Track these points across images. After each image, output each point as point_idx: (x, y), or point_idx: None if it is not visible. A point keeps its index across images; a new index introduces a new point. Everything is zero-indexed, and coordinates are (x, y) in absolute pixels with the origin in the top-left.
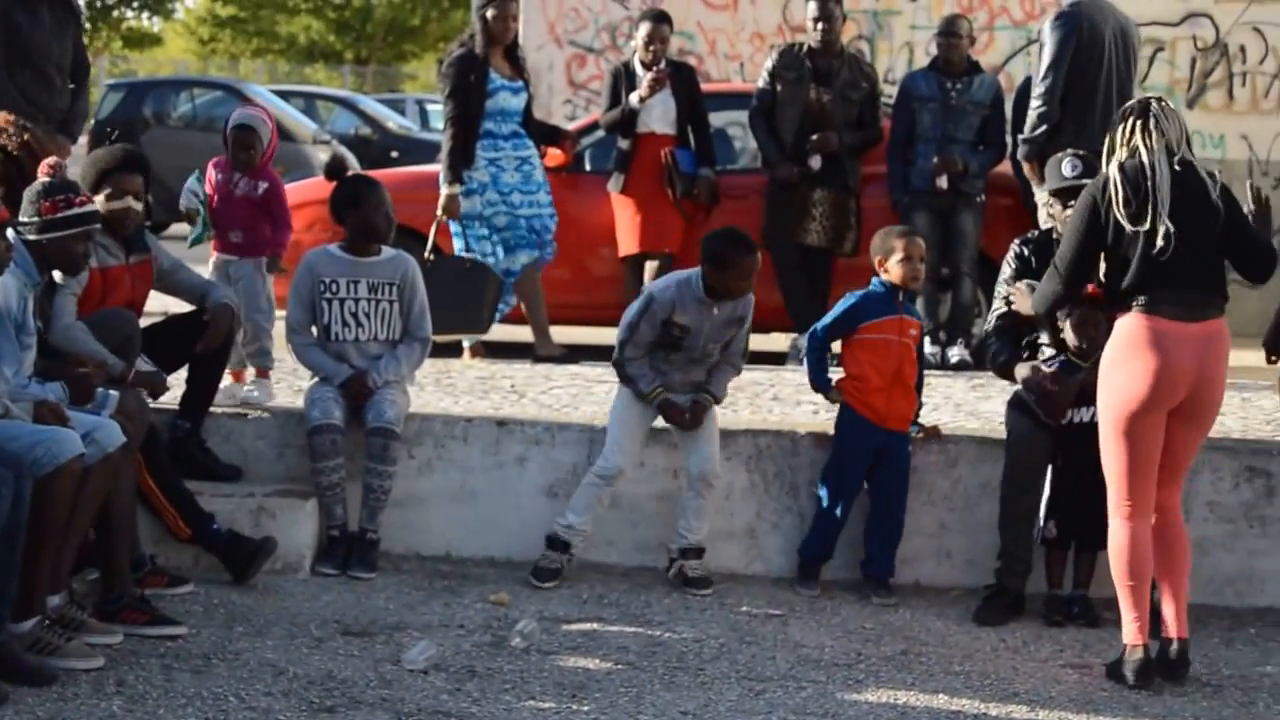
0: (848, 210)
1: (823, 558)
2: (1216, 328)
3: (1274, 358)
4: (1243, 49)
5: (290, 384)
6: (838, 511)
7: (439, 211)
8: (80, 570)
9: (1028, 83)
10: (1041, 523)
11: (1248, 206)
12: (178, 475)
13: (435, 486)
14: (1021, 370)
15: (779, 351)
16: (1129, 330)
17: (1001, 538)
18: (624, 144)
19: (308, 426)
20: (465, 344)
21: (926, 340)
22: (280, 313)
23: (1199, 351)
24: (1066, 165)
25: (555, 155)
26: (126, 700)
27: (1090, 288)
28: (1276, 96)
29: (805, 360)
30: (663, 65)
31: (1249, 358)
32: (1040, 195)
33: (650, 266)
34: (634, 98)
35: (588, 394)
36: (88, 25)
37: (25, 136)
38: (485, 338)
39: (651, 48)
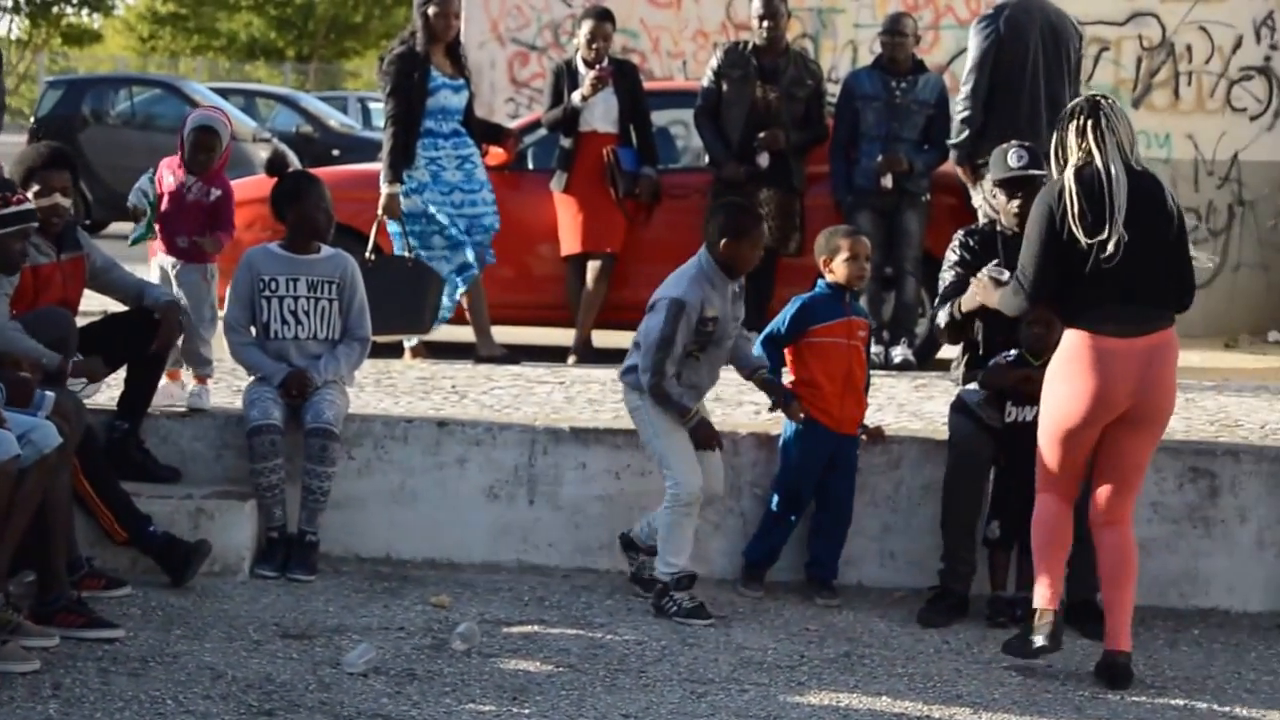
0: (793, 210)
1: (769, 562)
2: (1163, 339)
3: None
4: (1189, 48)
5: (229, 384)
6: (791, 518)
7: (379, 211)
8: (16, 573)
9: None
10: (985, 524)
11: None
12: (115, 477)
13: (375, 488)
14: (974, 287)
15: None
16: (1073, 347)
17: (944, 539)
18: (566, 142)
19: (246, 427)
20: (406, 344)
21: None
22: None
23: (1142, 364)
24: (1012, 155)
25: (497, 154)
26: (62, 704)
27: None
28: (1222, 96)
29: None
30: (605, 63)
31: (1194, 359)
32: (976, 197)
33: (592, 266)
34: (576, 96)
35: (529, 394)
36: (27, 21)
37: None
38: (426, 338)
39: (594, 45)
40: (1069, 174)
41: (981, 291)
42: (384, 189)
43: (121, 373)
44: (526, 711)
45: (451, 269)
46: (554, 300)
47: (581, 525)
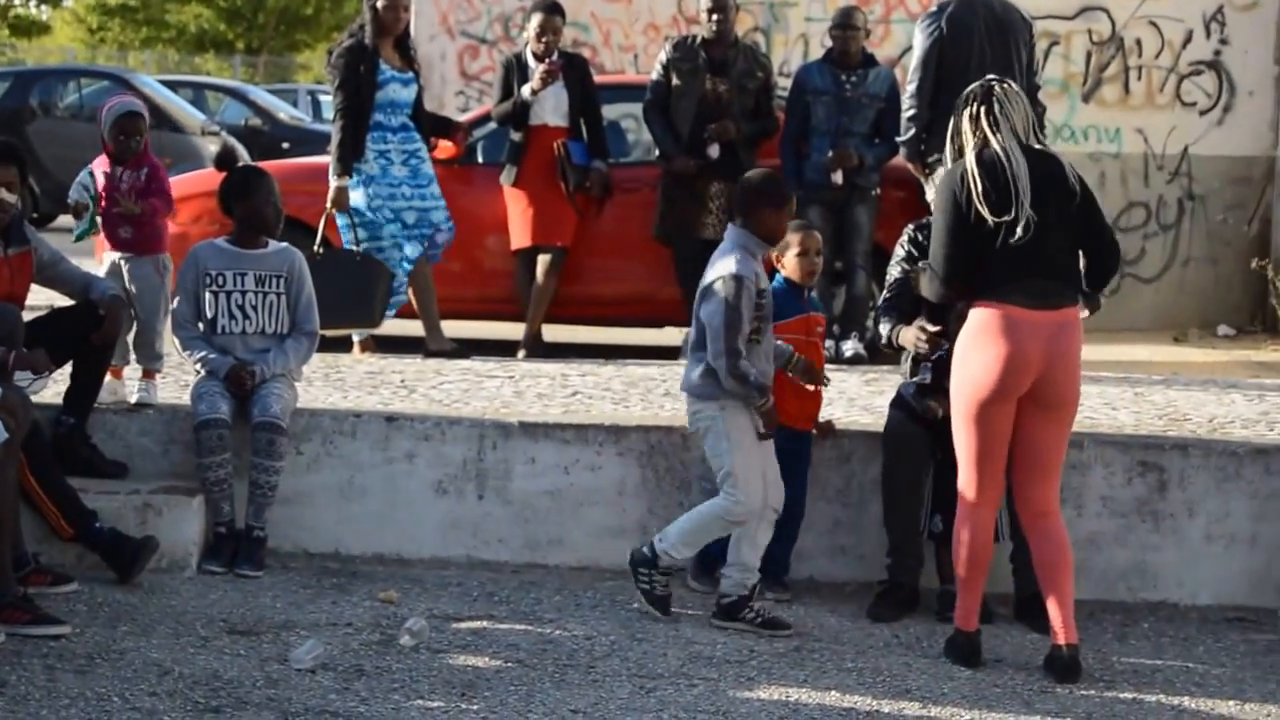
0: None
1: (724, 557)
2: (1068, 316)
3: None
4: (1139, 42)
5: (176, 379)
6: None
7: (328, 204)
8: None
9: None
10: (928, 518)
11: None
12: (61, 472)
13: (323, 483)
14: (907, 335)
15: (673, 346)
16: (981, 319)
17: (889, 535)
18: (516, 136)
19: (194, 421)
20: (355, 338)
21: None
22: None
23: (1049, 338)
24: None
25: (447, 147)
26: (8, 701)
27: None
28: (1172, 90)
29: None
30: (555, 57)
31: (1143, 353)
32: (930, 192)
33: (543, 260)
34: (526, 90)
35: (478, 389)
36: None
37: None
38: (375, 332)
39: (544, 39)
40: (969, 157)
41: (923, 284)
42: (333, 182)
43: (68, 368)
44: (475, 707)
45: (399, 262)
46: (504, 294)
47: (531, 520)
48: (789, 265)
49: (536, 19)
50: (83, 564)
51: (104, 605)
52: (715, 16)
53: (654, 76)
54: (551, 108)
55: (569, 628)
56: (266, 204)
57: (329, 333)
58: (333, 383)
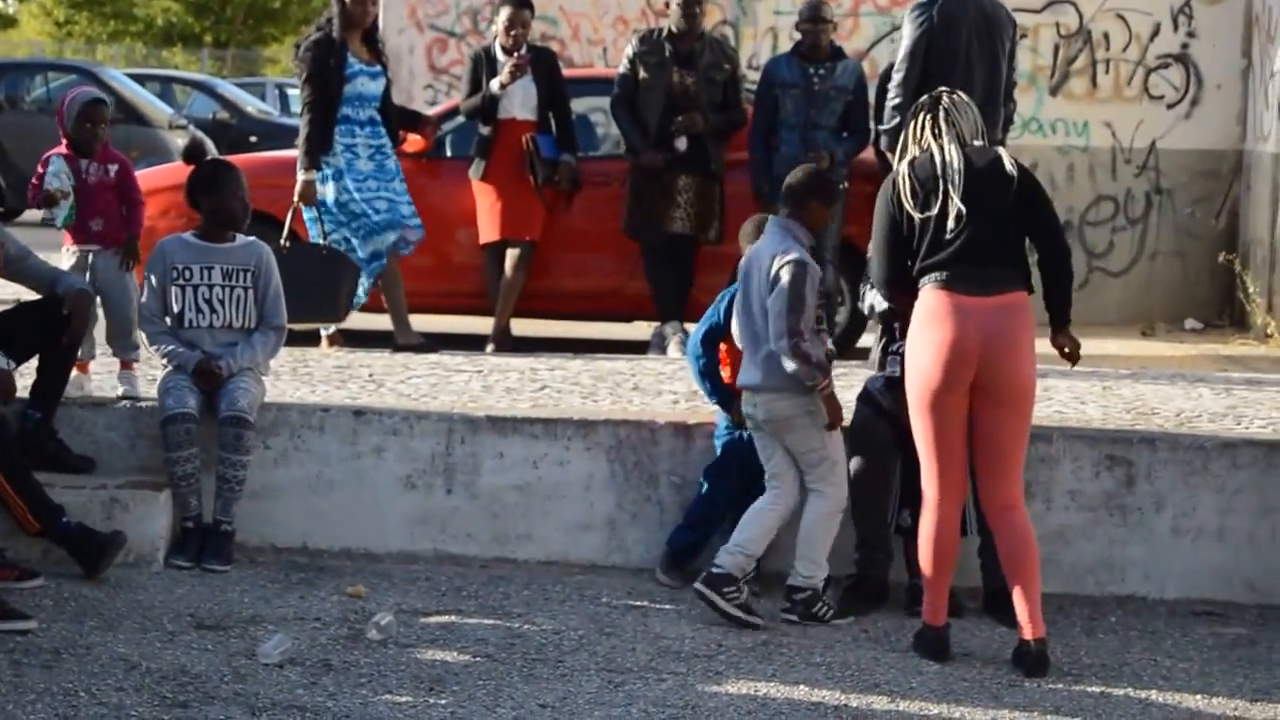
0: (712, 197)
1: (695, 553)
2: (1012, 300)
3: None
4: (1106, 36)
5: (144, 373)
6: (721, 510)
7: (295, 197)
8: None
9: (890, 69)
10: (896, 513)
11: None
12: (28, 467)
13: (291, 477)
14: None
15: (641, 340)
16: (922, 307)
17: (857, 529)
18: (485, 130)
19: (161, 416)
20: (323, 332)
21: None
22: None
23: (988, 321)
24: None
25: (415, 141)
26: None
27: None
28: (1140, 84)
29: (695, 374)
30: (524, 51)
31: (1110, 346)
32: None
33: (511, 254)
34: (495, 84)
35: (447, 383)
36: None
37: None
38: (343, 326)
39: (513, 33)
40: (904, 165)
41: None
42: (300, 176)
43: (34, 362)
44: (443, 702)
45: (365, 257)
46: (472, 288)
47: (499, 515)
48: None
49: (505, 13)
50: (49, 559)
51: (70, 600)
52: (685, 10)
53: (620, 70)
54: (520, 102)
55: (537, 622)
56: (234, 198)
57: (296, 326)
58: (300, 377)
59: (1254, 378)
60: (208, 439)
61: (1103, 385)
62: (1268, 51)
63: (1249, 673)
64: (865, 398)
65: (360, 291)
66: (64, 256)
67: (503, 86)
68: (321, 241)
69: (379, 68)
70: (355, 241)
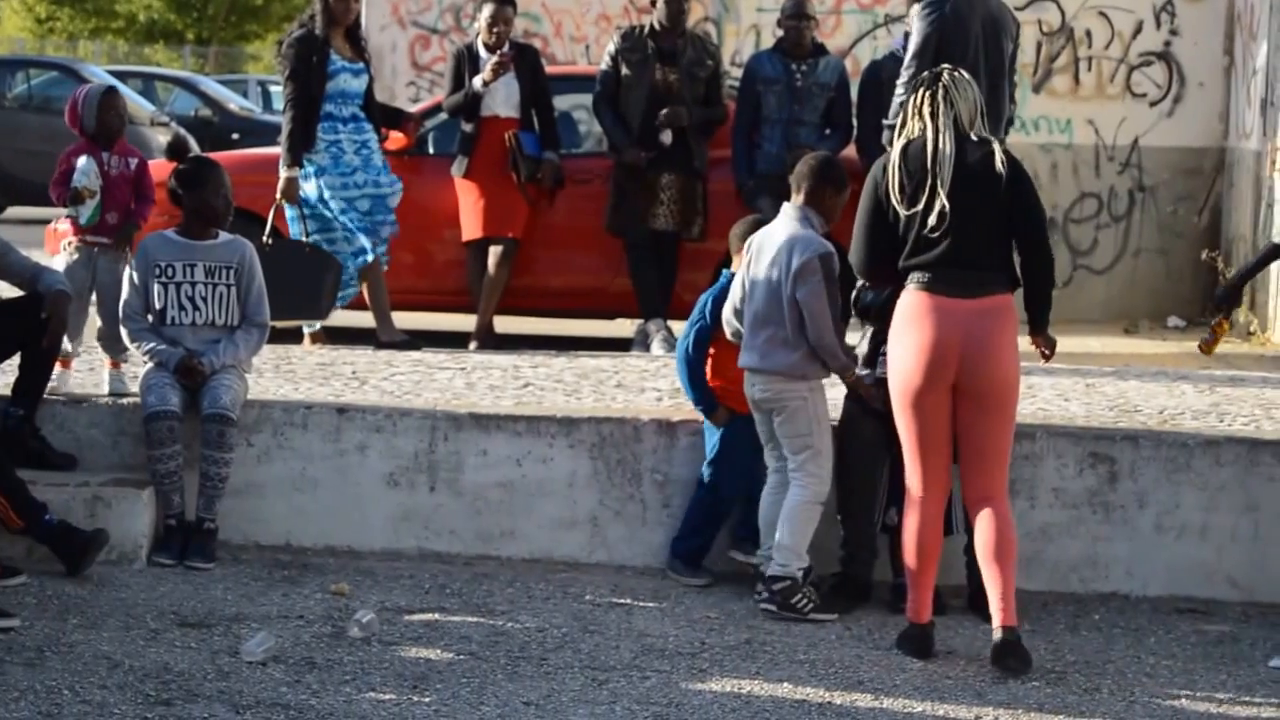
0: (695, 194)
1: (705, 551)
2: (994, 303)
3: (1217, 315)
4: (1089, 33)
5: (126, 370)
6: (722, 508)
7: (278, 195)
8: None
9: (874, 67)
10: (883, 511)
11: None
12: (10, 464)
13: (274, 474)
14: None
15: (624, 338)
16: (904, 307)
17: (843, 527)
18: (468, 127)
19: (144, 413)
20: (306, 330)
21: None
22: None
23: (969, 323)
24: None
25: (398, 138)
26: None
27: None
28: (1122, 82)
29: (681, 376)
30: (507, 48)
31: (1094, 344)
32: None
33: (494, 251)
34: (477, 81)
35: (430, 380)
36: None
37: None
38: (326, 323)
39: (495, 30)
40: (895, 150)
41: None
42: (283, 173)
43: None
44: (427, 700)
45: (349, 254)
46: (455, 286)
47: (483, 512)
48: None
49: (488, 10)
50: (32, 556)
51: (53, 598)
52: (670, 6)
53: (603, 68)
54: (503, 99)
55: (521, 620)
56: (216, 195)
57: (277, 324)
58: (283, 374)
59: (1237, 375)
60: (190, 436)
61: (1086, 383)
62: (1250, 49)
63: (1232, 669)
64: (854, 396)
65: (349, 289)
66: (63, 252)
67: (485, 84)
68: (304, 239)
69: (362, 65)
70: (338, 239)
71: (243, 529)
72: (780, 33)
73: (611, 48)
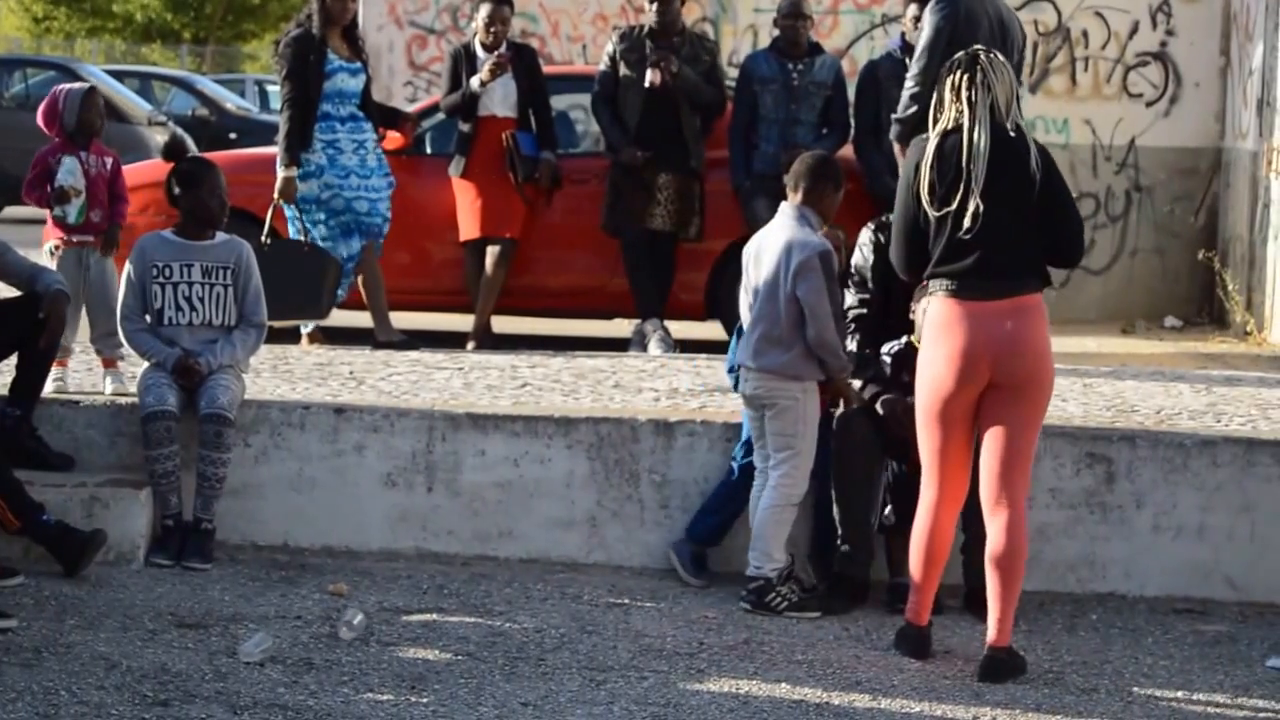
0: (692, 194)
1: (719, 532)
2: (1024, 303)
3: None
4: (1085, 34)
5: (123, 370)
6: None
7: (275, 195)
8: None
9: (871, 66)
10: (879, 510)
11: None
12: (7, 464)
13: (272, 475)
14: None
15: (622, 338)
16: (934, 314)
17: (840, 527)
18: (465, 127)
19: (141, 413)
20: (303, 330)
21: None
22: None
23: (999, 323)
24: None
25: (395, 138)
26: None
27: None
28: (1119, 82)
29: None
30: (504, 48)
31: (1090, 344)
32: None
33: (491, 251)
34: (475, 81)
35: (428, 380)
36: None
37: None
38: (323, 323)
39: (493, 29)
40: (931, 142)
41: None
42: (280, 173)
43: (13, 359)
44: (425, 700)
45: (347, 254)
46: (453, 286)
47: (480, 512)
48: None
49: (485, 9)
50: (29, 557)
51: (51, 598)
52: (657, 6)
53: (601, 68)
54: (500, 99)
55: (519, 620)
56: (211, 195)
57: (276, 324)
58: (281, 374)
59: (1233, 375)
60: (188, 437)
61: (1083, 383)
62: (1246, 49)
63: (1229, 670)
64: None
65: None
66: (50, 257)
67: (483, 84)
68: (303, 238)
69: (359, 64)
70: (335, 238)
71: (240, 529)
72: (777, 32)
73: (610, 48)
